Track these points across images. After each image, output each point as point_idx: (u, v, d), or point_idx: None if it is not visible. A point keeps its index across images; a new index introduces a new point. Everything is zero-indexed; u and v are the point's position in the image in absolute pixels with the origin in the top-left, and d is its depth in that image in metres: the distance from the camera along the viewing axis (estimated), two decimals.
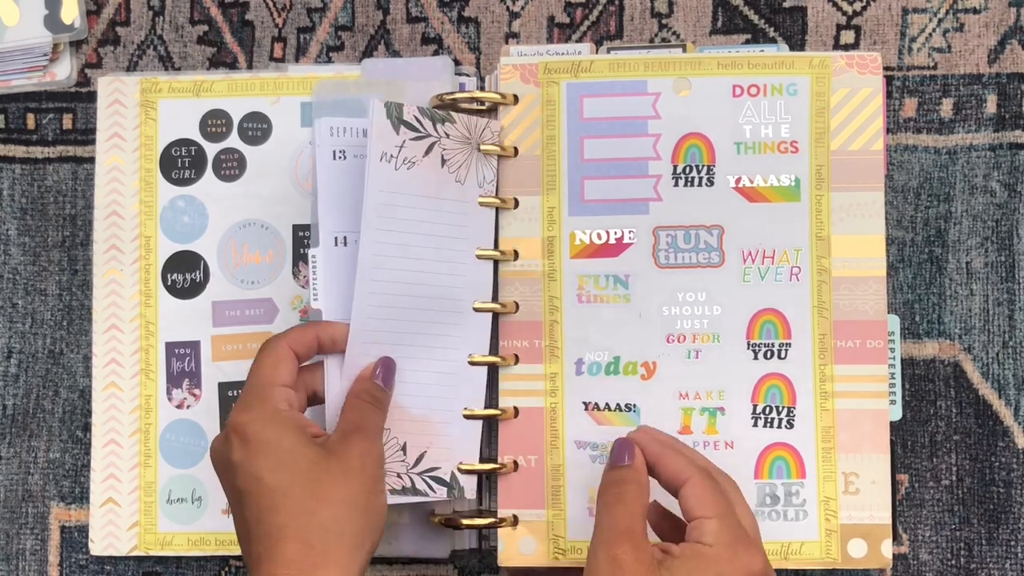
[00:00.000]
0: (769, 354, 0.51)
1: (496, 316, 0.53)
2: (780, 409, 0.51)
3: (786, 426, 0.51)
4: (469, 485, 0.51)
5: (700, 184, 0.51)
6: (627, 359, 0.52)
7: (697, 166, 0.51)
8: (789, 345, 0.51)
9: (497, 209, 0.52)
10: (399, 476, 0.50)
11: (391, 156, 0.49)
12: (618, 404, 0.51)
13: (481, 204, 0.52)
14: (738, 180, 0.51)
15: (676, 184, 0.52)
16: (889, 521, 0.49)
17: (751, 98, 0.51)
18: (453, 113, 0.51)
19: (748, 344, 0.51)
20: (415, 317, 0.50)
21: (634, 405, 0.51)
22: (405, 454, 0.50)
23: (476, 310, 0.52)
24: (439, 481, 0.51)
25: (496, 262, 0.53)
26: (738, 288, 0.51)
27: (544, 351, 0.52)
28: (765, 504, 0.50)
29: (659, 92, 0.52)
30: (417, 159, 0.50)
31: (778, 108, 0.51)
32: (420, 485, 0.50)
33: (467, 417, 0.52)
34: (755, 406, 0.51)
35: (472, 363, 0.52)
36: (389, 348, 0.50)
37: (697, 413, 0.51)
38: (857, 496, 0.50)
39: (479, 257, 0.52)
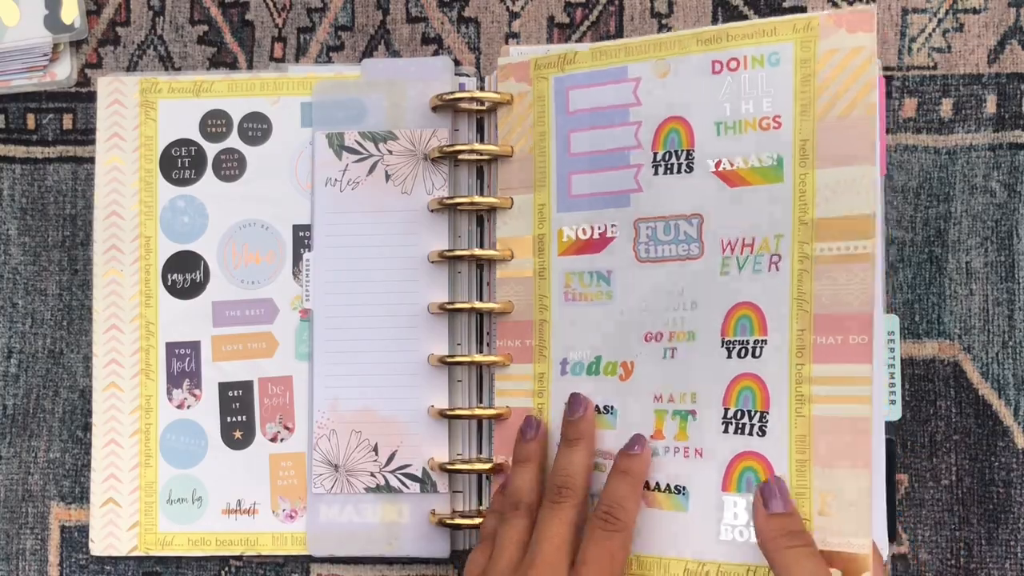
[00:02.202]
0: (743, 352, 0.46)
1: (493, 316, 0.53)
2: (752, 414, 0.46)
3: (757, 433, 0.46)
4: (441, 480, 0.53)
5: (679, 171, 0.48)
6: (607, 359, 0.50)
7: (676, 152, 0.48)
8: (764, 342, 0.46)
9: (495, 209, 0.53)
10: (372, 475, 0.53)
11: (335, 180, 0.53)
12: (597, 406, 0.50)
13: (432, 210, 0.52)
14: (718, 163, 0.47)
15: (656, 172, 0.49)
16: (869, 551, 0.43)
17: (731, 73, 0.47)
18: (396, 130, 0.53)
19: (722, 342, 0.47)
20: (374, 324, 0.53)
21: (612, 407, 0.49)
22: (377, 454, 0.53)
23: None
24: (411, 477, 0.53)
25: (492, 262, 0.53)
26: (715, 281, 0.47)
27: (534, 351, 0.51)
28: (733, 520, 0.46)
29: (639, 77, 0.49)
30: (360, 179, 0.53)
31: (760, 81, 0.47)
32: (393, 482, 0.52)
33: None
34: (726, 410, 0.46)
35: (436, 363, 0.53)
36: (353, 355, 0.53)
37: (669, 416, 0.48)
38: (833, 518, 0.44)
39: (432, 260, 0.53)
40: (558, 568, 0.44)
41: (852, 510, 0.43)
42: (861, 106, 0.44)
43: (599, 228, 0.50)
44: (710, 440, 0.47)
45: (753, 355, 0.46)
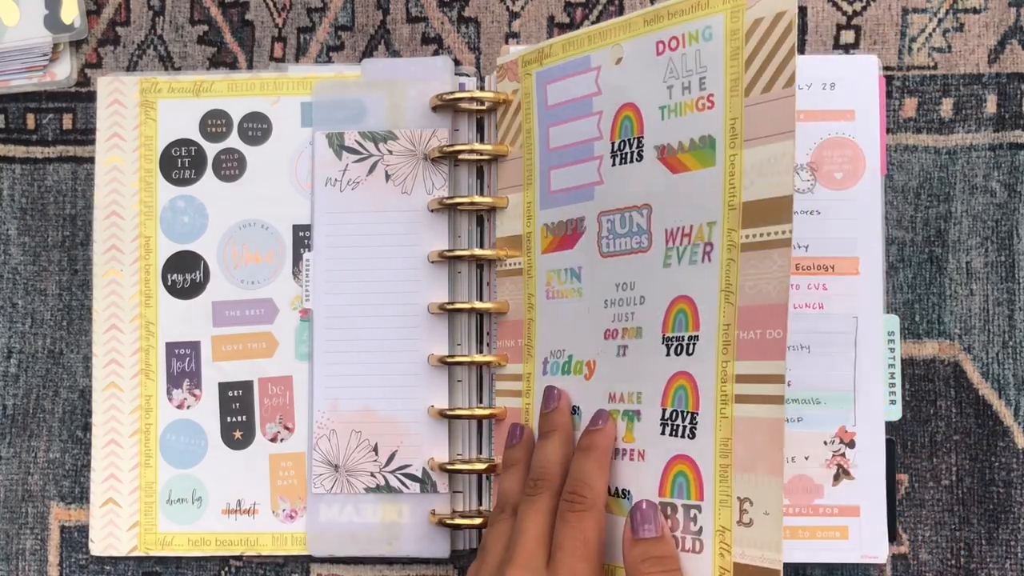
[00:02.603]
0: (679, 349, 0.43)
1: (492, 316, 0.53)
2: (684, 415, 0.43)
3: (688, 435, 0.43)
4: (441, 480, 0.53)
5: (631, 160, 0.46)
6: (577, 358, 0.48)
7: (629, 140, 0.46)
8: (696, 338, 0.43)
9: (495, 209, 0.53)
10: (372, 475, 0.53)
11: (335, 180, 0.53)
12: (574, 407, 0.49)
13: (432, 210, 0.52)
14: (662, 150, 0.45)
15: (614, 163, 0.47)
16: (781, 567, 0.40)
17: (672, 52, 0.45)
18: (396, 130, 0.53)
19: (663, 338, 0.44)
20: (374, 324, 0.53)
21: (578, 408, 0.48)
22: (377, 454, 0.53)
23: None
24: (412, 478, 0.53)
25: (492, 261, 0.53)
26: (660, 274, 0.45)
27: (523, 350, 0.51)
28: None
29: (600, 65, 0.48)
30: (360, 179, 0.53)
31: (696, 59, 0.44)
32: (393, 483, 0.52)
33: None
34: (664, 410, 0.44)
35: (436, 363, 0.53)
36: (353, 355, 0.53)
37: (620, 417, 0.46)
38: (751, 529, 0.41)
39: (432, 260, 0.53)
40: (536, 559, 0.43)
41: (767, 520, 0.40)
42: (783, 78, 0.41)
43: (571, 224, 0.49)
44: (651, 442, 0.44)
45: (687, 352, 0.43)
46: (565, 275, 0.49)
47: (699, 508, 0.42)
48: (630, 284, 0.46)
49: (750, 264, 0.41)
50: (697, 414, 0.43)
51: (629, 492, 0.45)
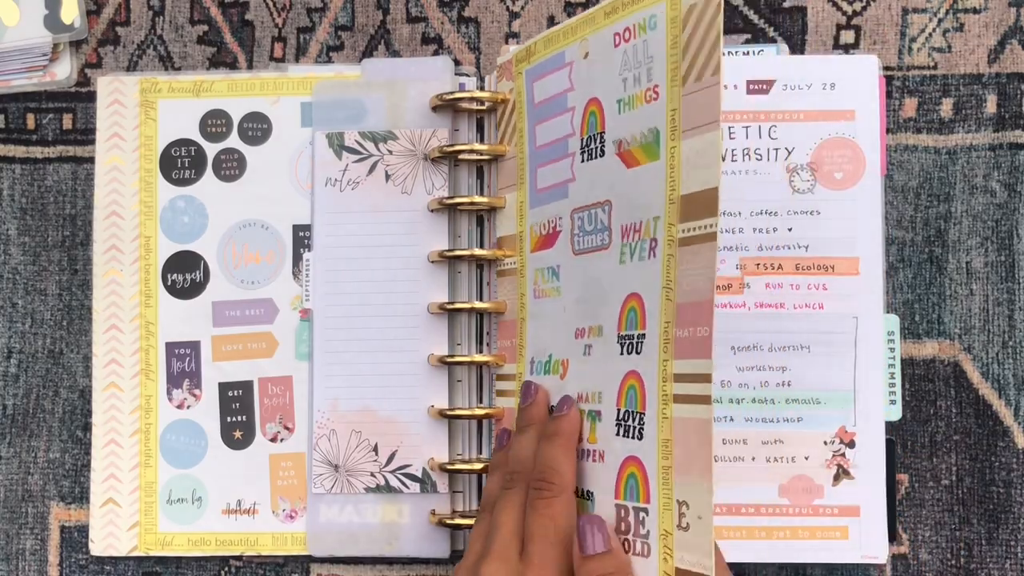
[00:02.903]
0: (630, 348, 0.42)
1: (492, 316, 0.53)
2: (634, 415, 0.42)
3: (637, 436, 0.41)
4: (441, 480, 0.53)
5: (596, 156, 0.45)
6: (556, 357, 0.47)
7: (594, 136, 0.45)
8: (644, 337, 0.41)
9: (495, 209, 0.53)
10: (372, 475, 0.53)
11: (335, 180, 0.54)
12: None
13: (432, 210, 0.52)
14: (619, 144, 0.44)
15: (583, 160, 0.46)
16: (712, 574, 0.37)
17: (626, 44, 0.43)
18: (396, 130, 0.53)
19: (618, 337, 0.43)
20: (374, 324, 0.53)
21: (554, 407, 0.47)
22: (377, 454, 0.53)
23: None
24: (412, 478, 0.53)
25: (492, 261, 0.53)
26: (616, 272, 0.43)
27: (516, 350, 0.51)
28: (620, 531, 0.42)
29: (572, 61, 0.47)
30: (360, 179, 0.53)
31: (644, 49, 0.42)
32: (394, 483, 0.53)
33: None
34: (619, 411, 0.42)
35: (436, 363, 0.53)
36: (353, 355, 0.53)
37: (586, 417, 0.45)
38: (688, 533, 0.39)
39: (432, 260, 0.53)
40: (510, 550, 0.43)
41: (699, 525, 0.38)
42: (711, 66, 0.39)
43: (552, 223, 0.49)
44: (608, 443, 0.43)
45: (636, 351, 0.42)
46: (547, 274, 0.49)
47: (646, 511, 0.41)
48: (595, 282, 0.45)
49: (685, 259, 0.40)
50: (644, 414, 0.41)
51: (592, 493, 0.44)
